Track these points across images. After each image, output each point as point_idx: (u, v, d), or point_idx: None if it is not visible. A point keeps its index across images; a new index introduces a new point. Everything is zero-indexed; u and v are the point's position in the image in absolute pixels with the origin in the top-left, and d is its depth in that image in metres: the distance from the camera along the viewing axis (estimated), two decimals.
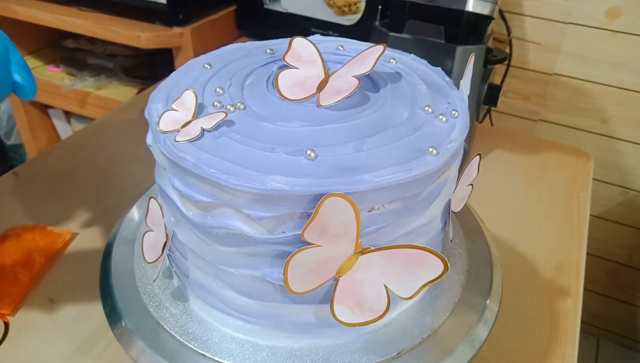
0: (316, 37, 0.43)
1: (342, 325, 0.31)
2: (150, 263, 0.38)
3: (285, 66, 0.38)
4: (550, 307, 0.51)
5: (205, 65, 0.39)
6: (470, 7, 0.61)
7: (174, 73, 0.39)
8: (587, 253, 0.58)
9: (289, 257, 0.29)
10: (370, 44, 0.40)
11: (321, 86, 0.35)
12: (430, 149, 0.31)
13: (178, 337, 0.35)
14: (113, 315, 0.37)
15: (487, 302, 0.39)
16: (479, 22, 0.63)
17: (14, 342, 0.45)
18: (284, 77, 0.36)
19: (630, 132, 1.01)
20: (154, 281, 0.39)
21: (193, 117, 0.32)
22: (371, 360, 0.34)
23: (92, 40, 1.19)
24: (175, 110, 0.33)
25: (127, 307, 0.38)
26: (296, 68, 0.37)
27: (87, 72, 1.18)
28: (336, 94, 0.34)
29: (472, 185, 0.39)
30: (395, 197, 0.30)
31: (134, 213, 0.46)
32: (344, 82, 0.35)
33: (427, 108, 0.35)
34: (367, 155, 0.30)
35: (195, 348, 0.35)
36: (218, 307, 0.36)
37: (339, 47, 0.42)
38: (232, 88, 0.36)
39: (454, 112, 0.35)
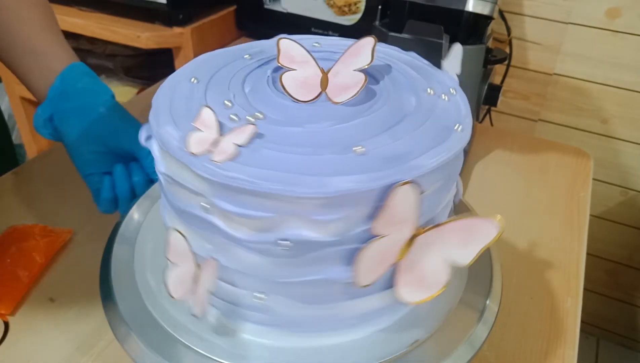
0: (291, 37, 0.43)
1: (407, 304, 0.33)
2: (178, 299, 0.34)
3: (278, 69, 0.38)
4: (550, 307, 0.51)
5: (192, 80, 0.37)
6: (470, 7, 0.61)
7: (160, 92, 0.36)
8: (587, 253, 0.58)
9: (358, 253, 0.30)
10: (349, 39, 0.40)
11: (324, 84, 0.35)
12: (456, 126, 0.33)
13: (178, 337, 0.35)
14: (113, 314, 0.37)
15: (487, 302, 0.39)
16: (479, 22, 0.63)
17: (14, 342, 0.45)
18: (287, 80, 0.36)
19: (630, 132, 1.01)
20: (195, 315, 0.34)
21: (219, 134, 0.31)
22: (371, 360, 0.34)
23: (92, 40, 1.19)
24: (200, 130, 0.31)
25: (127, 307, 0.38)
26: (293, 70, 0.36)
27: None
28: (345, 90, 0.35)
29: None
30: (441, 176, 0.32)
31: (134, 213, 0.46)
32: (347, 77, 0.35)
33: (429, 90, 0.36)
34: (405, 142, 0.31)
35: (195, 348, 0.35)
36: (244, 316, 0.36)
37: (315, 44, 0.42)
38: (238, 98, 0.35)
39: (451, 90, 0.37)
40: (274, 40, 0.41)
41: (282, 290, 0.33)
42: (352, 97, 0.34)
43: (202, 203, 0.31)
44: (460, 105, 0.36)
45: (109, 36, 1.00)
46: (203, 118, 0.32)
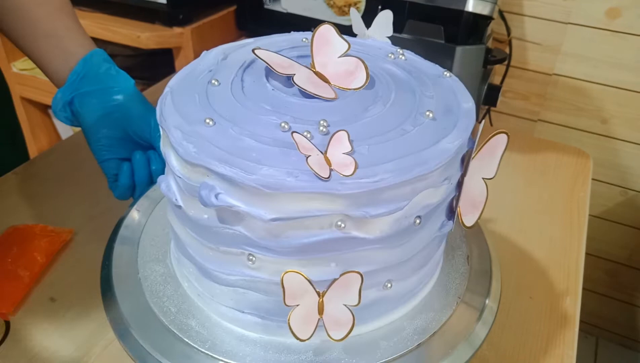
0: (245, 41, 0.43)
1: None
2: (307, 339, 0.33)
3: (275, 77, 0.37)
4: (550, 306, 0.51)
5: (207, 121, 0.33)
6: (470, 7, 0.61)
7: (183, 137, 0.32)
8: (587, 253, 0.58)
9: (457, 197, 0.36)
10: (286, 35, 0.43)
11: (323, 78, 0.35)
12: (445, 73, 0.39)
13: (180, 336, 0.35)
14: (113, 314, 0.38)
15: (487, 301, 0.39)
16: (479, 22, 0.63)
17: (15, 341, 0.45)
18: (301, 83, 0.35)
19: (630, 132, 1.01)
20: (339, 340, 0.33)
21: (325, 153, 0.30)
22: (371, 360, 0.34)
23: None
24: (308, 155, 0.30)
25: (127, 307, 0.38)
26: (292, 74, 0.35)
27: None
28: (351, 75, 0.35)
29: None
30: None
31: (134, 213, 0.47)
32: (338, 65, 0.35)
33: (390, 55, 0.40)
34: (437, 98, 0.37)
35: (197, 348, 0.35)
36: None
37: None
38: (282, 117, 0.33)
39: (398, 50, 0.42)
40: (212, 57, 0.39)
41: (405, 270, 0.36)
42: (368, 79, 0.35)
43: (337, 223, 0.30)
44: (421, 62, 0.41)
45: (109, 36, 1.00)
46: (302, 143, 0.30)
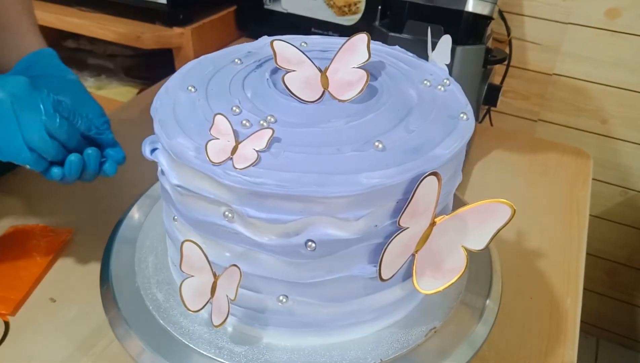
0: (282, 38, 0.43)
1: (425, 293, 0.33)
2: (196, 311, 0.34)
3: (275, 70, 0.38)
4: (550, 307, 0.51)
5: (189, 88, 0.37)
6: (470, 7, 0.61)
7: (158, 104, 0.36)
8: (587, 253, 0.58)
9: (384, 248, 0.30)
10: (335, 37, 0.42)
11: (324, 83, 0.35)
12: (461, 115, 0.34)
13: (178, 336, 0.35)
14: (113, 314, 0.38)
15: (487, 302, 0.39)
16: (479, 22, 0.63)
17: (14, 342, 0.45)
18: (290, 81, 0.36)
19: (630, 132, 1.01)
20: (215, 326, 0.34)
21: (236, 141, 0.31)
22: (372, 360, 0.34)
23: (92, 40, 1.18)
24: (217, 138, 0.31)
25: (127, 307, 0.38)
26: (293, 70, 0.36)
27: (88, 72, 1.18)
28: (349, 87, 0.35)
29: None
30: (456, 163, 0.34)
31: (134, 213, 0.47)
32: (348, 74, 0.35)
33: (425, 82, 0.38)
34: (419, 134, 0.32)
35: (195, 348, 0.35)
36: (263, 321, 0.36)
37: (303, 44, 0.42)
38: (244, 104, 0.35)
39: (445, 80, 0.38)
40: (260, 41, 0.41)
41: (305, 291, 0.33)
42: (359, 93, 0.34)
43: (225, 212, 0.31)
44: (457, 94, 0.37)
45: (109, 36, 1.00)
46: (218, 126, 0.31)
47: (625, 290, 1.22)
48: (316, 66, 0.36)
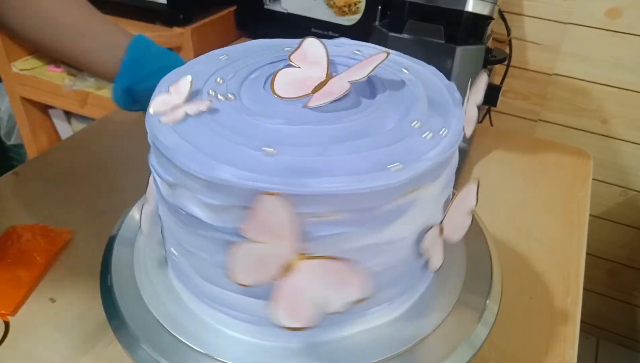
0: (339, 40, 0.43)
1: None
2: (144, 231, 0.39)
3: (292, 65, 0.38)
4: (550, 307, 0.51)
5: (222, 57, 0.40)
6: (470, 7, 0.61)
7: (190, 61, 0.40)
8: (587, 253, 0.58)
9: (231, 247, 0.29)
10: (379, 50, 0.40)
11: (318, 88, 0.35)
12: (396, 164, 0.29)
13: (178, 337, 0.35)
14: (113, 315, 0.37)
15: (487, 302, 0.39)
16: (479, 22, 0.63)
17: (14, 342, 0.45)
18: (282, 75, 0.36)
19: (630, 132, 1.01)
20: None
21: (183, 101, 0.34)
22: (370, 359, 0.34)
23: None
24: (170, 93, 0.35)
25: (127, 307, 0.38)
26: (298, 68, 0.37)
27: (88, 72, 1.18)
28: (327, 97, 0.34)
29: (471, 214, 0.38)
30: (343, 207, 0.29)
31: (134, 213, 0.46)
32: (338, 85, 0.35)
33: (415, 122, 0.33)
34: (327, 160, 0.30)
35: (195, 348, 0.35)
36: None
37: (356, 52, 0.41)
38: (233, 80, 0.37)
39: (443, 129, 0.33)
40: (311, 38, 0.39)
41: (195, 264, 0.35)
42: (322, 104, 0.34)
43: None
44: (437, 147, 0.31)
45: None
46: (179, 84, 0.35)
47: (626, 290, 1.22)
48: (328, 72, 0.36)
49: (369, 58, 0.36)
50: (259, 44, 0.43)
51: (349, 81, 0.35)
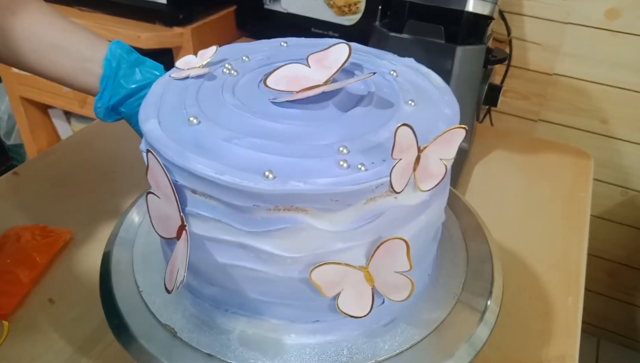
0: (407, 60, 0.42)
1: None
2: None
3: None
4: (551, 307, 0.51)
5: (282, 43, 0.44)
6: (470, 7, 0.61)
7: (255, 42, 0.44)
8: (587, 253, 0.58)
9: (146, 192, 0.34)
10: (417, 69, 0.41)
11: (307, 89, 0.35)
12: (267, 173, 0.28)
13: (178, 337, 0.35)
14: (113, 315, 0.37)
15: (488, 302, 0.39)
16: (479, 22, 0.63)
17: (14, 342, 0.45)
18: (286, 69, 0.37)
19: (630, 132, 1.01)
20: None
21: (200, 65, 0.39)
22: (371, 359, 0.34)
23: None
24: (196, 56, 0.40)
25: (127, 307, 0.38)
26: (308, 67, 0.37)
27: None
28: (296, 97, 0.35)
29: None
30: (213, 193, 0.30)
31: (134, 213, 0.46)
32: (312, 92, 0.35)
33: (342, 148, 0.31)
34: (226, 146, 0.31)
35: (196, 347, 0.35)
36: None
37: (392, 72, 0.40)
38: (255, 62, 0.40)
39: (360, 165, 0.30)
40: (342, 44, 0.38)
41: None
42: (284, 100, 0.35)
43: None
44: (336, 178, 0.29)
45: (109, 36, 0.99)
46: (206, 51, 0.40)
47: (626, 290, 1.22)
48: (331, 78, 0.36)
49: (360, 75, 0.36)
50: (326, 42, 0.40)
51: (324, 91, 0.35)
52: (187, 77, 0.38)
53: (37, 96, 1.21)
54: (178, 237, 0.32)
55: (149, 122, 0.34)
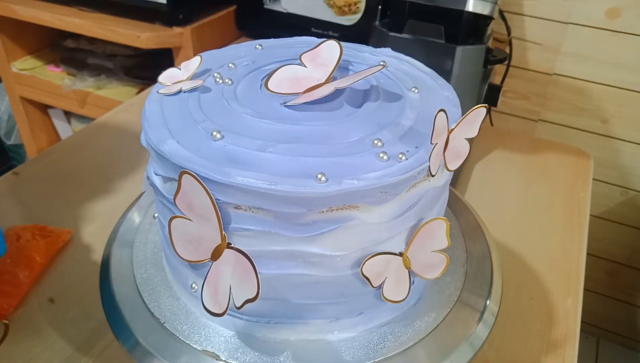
0: (385, 51, 0.43)
1: None
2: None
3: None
4: (550, 307, 0.51)
5: (257, 46, 0.43)
6: (470, 7, 0.61)
7: (228, 46, 0.43)
8: (587, 253, 0.58)
9: (170, 218, 0.31)
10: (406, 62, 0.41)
11: (311, 89, 0.35)
12: (319, 176, 0.28)
13: (178, 336, 0.35)
14: (113, 315, 0.37)
15: (487, 302, 0.39)
16: (479, 22, 0.63)
17: (14, 342, 0.45)
18: (284, 71, 0.37)
19: (630, 132, 1.01)
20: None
21: (187, 78, 0.37)
22: (370, 359, 0.34)
23: (92, 40, 1.19)
24: (180, 69, 0.38)
25: (127, 307, 0.38)
26: (304, 67, 0.37)
27: (87, 72, 1.18)
28: (310, 98, 0.34)
29: (445, 257, 0.35)
30: (262, 204, 0.29)
31: (134, 213, 0.46)
32: (325, 90, 0.35)
33: (378, 141, 0.31)
34: (264, 156, 0.30)
35: (195, 347, 0.35)
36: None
37: (381, 63, 0.39)
38: (244, 68, 0.39)
39: (400, 155, 0.30)
40: (332, 42, 0.38)
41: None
42: (295, 103, 0.34)
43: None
44: (383, 170, 0.30)
45: (109, 36, 1.00)
46: (190, 62, 0.38)
47: (626, 290, 1.22)
48: (330, 76, 0.35)
49: (368, 69, 0.36)
50: (300, 41, 0.43)
51: (336, 87, 0.34)
52: (179, 92, 0.36)
53: (37, 96, 1.21)
54: (215, 257, 0.31)
55: (166, 143, 0.31)
